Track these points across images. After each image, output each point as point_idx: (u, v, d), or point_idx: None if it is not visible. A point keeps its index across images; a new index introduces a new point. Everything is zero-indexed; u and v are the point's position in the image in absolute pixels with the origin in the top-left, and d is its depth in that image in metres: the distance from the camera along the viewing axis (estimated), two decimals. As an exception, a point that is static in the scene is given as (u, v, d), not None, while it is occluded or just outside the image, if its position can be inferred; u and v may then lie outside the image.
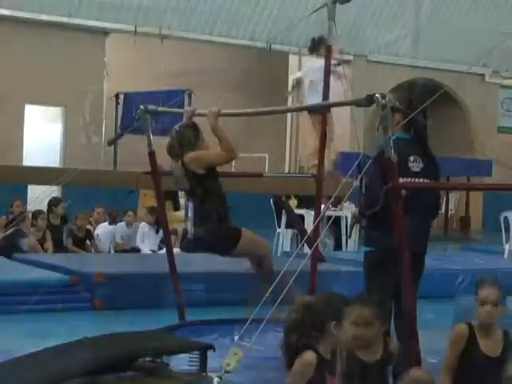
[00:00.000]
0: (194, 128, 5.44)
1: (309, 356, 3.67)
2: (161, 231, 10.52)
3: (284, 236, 12.56)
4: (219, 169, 5.51)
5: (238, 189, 10.19)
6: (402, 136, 4.63)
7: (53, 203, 11.21)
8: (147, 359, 4.55)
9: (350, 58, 20.31)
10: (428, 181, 4.71)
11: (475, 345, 4.08)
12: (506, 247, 12.68)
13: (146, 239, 11.83)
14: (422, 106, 4.62)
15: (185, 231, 5.55)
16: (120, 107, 16.21)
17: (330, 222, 10.23)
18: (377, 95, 3.99)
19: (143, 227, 11.89)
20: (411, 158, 4.62)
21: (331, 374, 3.78)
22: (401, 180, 4.36)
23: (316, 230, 6.35)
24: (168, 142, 5.48)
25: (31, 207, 10.73)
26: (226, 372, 3.54)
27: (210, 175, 5.34)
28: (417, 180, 4.64)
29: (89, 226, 11.77)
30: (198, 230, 5.38)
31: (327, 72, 6.35)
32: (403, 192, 4.23)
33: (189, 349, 4.61)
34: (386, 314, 4.59)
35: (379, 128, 4.03)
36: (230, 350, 3.59)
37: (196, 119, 5.63)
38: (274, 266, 5.44)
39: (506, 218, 13.48)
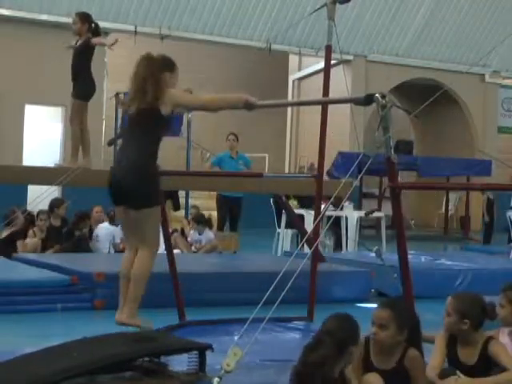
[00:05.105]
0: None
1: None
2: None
3: (284, 236, 12.55)
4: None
5: (237, 189, 10.20)
6: None
7: (55, 204, 11.15)
8: (145, 359, 4.54)
9: (350, 58, 20.32)
10: None
11: (454, 353, 4.13)
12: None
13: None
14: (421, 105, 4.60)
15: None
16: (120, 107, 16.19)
17: (330, 222, 10.22)
18: (377, 95, 3.98)
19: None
20: None
21: None
22: None
23: (316, 230, 6.36)
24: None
25: (31, 207, 10.68)
26: (226, 372, 3.54)
27: (164, 122, 5.02)
28: None
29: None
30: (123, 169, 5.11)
31: (327, 71, 6.35)
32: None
33: (187, 349, 4.60)
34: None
35: (379, 128, 4.02)
36: (230, 349, 3.59)
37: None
38: (149, 271, 5.07)
39: (510, 218, 13.49)
